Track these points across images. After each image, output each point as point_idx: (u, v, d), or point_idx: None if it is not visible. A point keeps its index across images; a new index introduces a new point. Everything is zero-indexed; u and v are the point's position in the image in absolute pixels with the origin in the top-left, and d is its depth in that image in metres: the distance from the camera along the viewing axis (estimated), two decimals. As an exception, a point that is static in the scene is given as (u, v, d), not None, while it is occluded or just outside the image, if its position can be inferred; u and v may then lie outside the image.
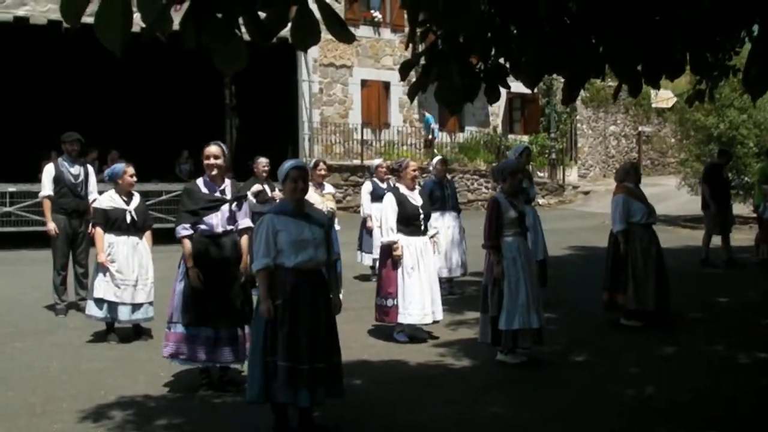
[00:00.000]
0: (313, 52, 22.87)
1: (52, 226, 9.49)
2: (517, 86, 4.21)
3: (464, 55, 3.46)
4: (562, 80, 4.14)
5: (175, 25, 2.57)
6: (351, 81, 26.66)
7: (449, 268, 10.81)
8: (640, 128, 34.33)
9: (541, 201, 24.83)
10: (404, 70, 2.95)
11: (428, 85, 3.35)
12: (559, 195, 27.33)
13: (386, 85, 27.35)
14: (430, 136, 26.10)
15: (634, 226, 8.80)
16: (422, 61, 3.57)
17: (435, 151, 25.38)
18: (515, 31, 3.66)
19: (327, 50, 25.45)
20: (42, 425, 5.64)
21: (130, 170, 8.33)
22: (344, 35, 2.53)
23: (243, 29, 2.62)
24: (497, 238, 7.19)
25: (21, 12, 15.64)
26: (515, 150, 10.17)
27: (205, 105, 22.85)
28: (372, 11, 26.76)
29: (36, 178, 15.83)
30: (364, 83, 26.87)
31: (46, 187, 9.60)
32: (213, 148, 6.52)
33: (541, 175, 27.70)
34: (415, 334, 8.34)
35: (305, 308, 5.26)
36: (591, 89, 31.06)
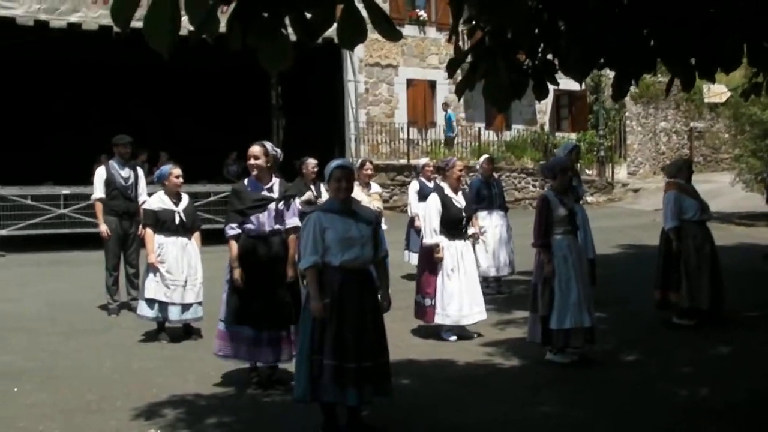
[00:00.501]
0: (359, 51, 22.92)
1: (103, 228, 9.65)
2: (565, 83, 4.17)
3: (511, 51, 3.43)
4: (611, 76, 4.08)
5: (222, 27, 2.60)
6: (396, 80, 26.65)
7: (497, 267, 10.76)
8: (691, 124, 33.76)
9: (589, 199, 24.55)
10: (451, 68, 2.93)
11: (475, 82, 3.33)
12: (608, 193, 27.01)
13: (432, 84, 27.29)
14: (452, 134, 25.81)
15: (687, 223, 8.65)
16: (469, 58, 3.54)
17: (454, 149, 25.26)
18: (563, 27, 3.61)
19: (372, 50, 25.48)
20: (97, 422, 5.73)
21: (176, 171, 8.41)
22: (391, 33, 2.52)
23: (289, 29, 2.63)
24: (547, 236, 7.13)
25: (74, 18, 15.89)
26: (564, 147, 10.08)
27: (252, 106, 23.01)
28: (417, 10, 26.71)
29: (88, 181, 16.14)
30: (409, 82, 26.84)
31: (98, 189, 9.76)
32: (254, 148, 6.57)
33: (590, 173, 27.40)
34: (462, 333, 8.31)
35: (352, 307, 5.26)
36: (641, 85, 30.60)
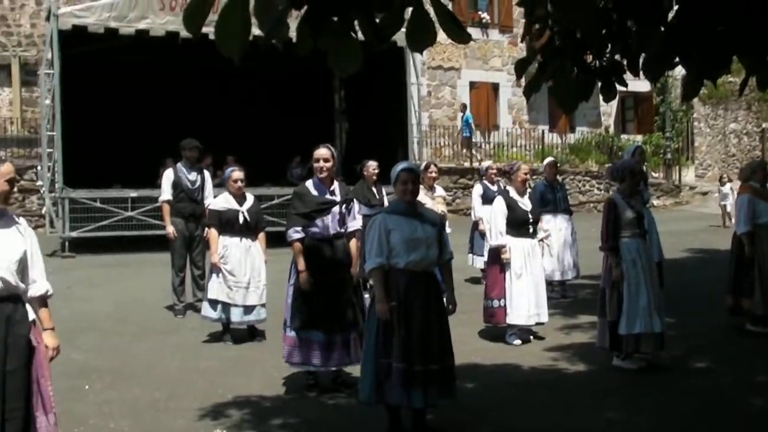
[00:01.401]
0: (421, 54, 22.92)
1: (170, 230, 9.81)
2: (631, 84, 4.09)
3: (580, 52, 3.38)
4: (679, 77, 3.99)
5: (291, 32, 2.61)
6: (459, 83, 26.60)
7: (561, 270, 10.64)
8: (764, 125, 32.83)
9: (655, 202, 24.12)
10: (520, 69, 2.90)
11: (543, 83, 3.29)
12: (674, 196, 26.51)
13: (495, 87, 27.16)
14: (468, 135, 25.45)
15: (761, 228, 8.39)
16: (537, 59, 3.50)
17: (473, 151, 24.99)
18: (633, 26, 3.54)
19: (435, 53, 25.48)
20: (166, 421, 5.83)
21: (235, 175, 8.45)
22: (460, 35, 2.51)
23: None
24: (615, 239, 7.01)
25: (142, 25, 16.24)
26: (628, 150, 9.93)
27: (316, 110, 23.21)
28: (480, 12, 26.61)
29: (155, 184, 16.45)
30: (472, 85, 26.75)
31: (166, 192, 9.92)
32: (322, 151, 6.57)
33: (656, 175, 26.94)
34: (524, 336, 8.25)
35: (418, 309, 5.25)
36: (709, 85, 29.94)
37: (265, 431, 5.59)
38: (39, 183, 18.22)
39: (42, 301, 4.24)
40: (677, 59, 3.32)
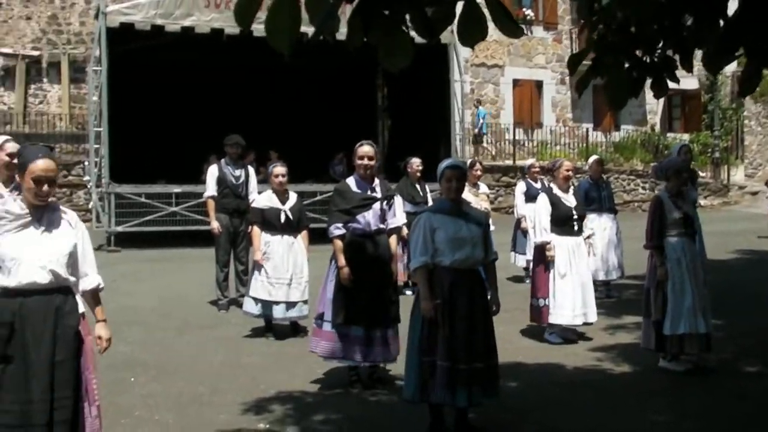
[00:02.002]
0: (465, 51, 22.80)
1: (215, 225, 9.89)
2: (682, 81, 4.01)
3: (633, 47, 3.32)
4: (728, 74, 3.90)
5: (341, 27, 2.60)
6: (503, 80, 26.45)
7: (606, 270, 10.53)
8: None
9: (702, 202, 23.75)
10: (573, 64, 2.86)
11: (594, 78, 3.23)
12: (723, 196, 26.08)
13: (538, 84, 26.97)
14: (477, 130, 25.15)
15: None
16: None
17: (485, 145, 24.72)
18: (689, 20, 3.46)
19: (478, 50, 25.34)
20: (209, 415, 5.87)
21: (277, 170, 8.50)
22: (513, 30, 2.48)
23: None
24: (660, 238, 6.91)
25: (187, 22, 16.41)
26: (674, 149, 9.79)
27: (358, 107, 23.24)
28: (524, 9, 26.42)
29: (198, 180, 16.60)
30: (516, 83, 26.59)
31: (210, 187, 10.00)
32: (366, 148, 6.59)
33: (704, 175, 26.51)
34: (566, 335, 8.16)
35: (463, 308, 5.22)
36: (763, 82, 29.39)
37: (307, 427, 5.60)
38: (86, 178, 18.49)
39: (94, 293, 4.29)
40: (737, 53, 3.23)
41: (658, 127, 28.08)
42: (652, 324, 6.98)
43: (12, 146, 5.68)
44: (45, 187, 4.02)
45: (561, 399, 6.23)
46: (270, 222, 8.42)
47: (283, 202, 8.47)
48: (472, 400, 5.23)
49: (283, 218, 8.41)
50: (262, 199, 8.65)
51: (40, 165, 4.01)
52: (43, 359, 3.93)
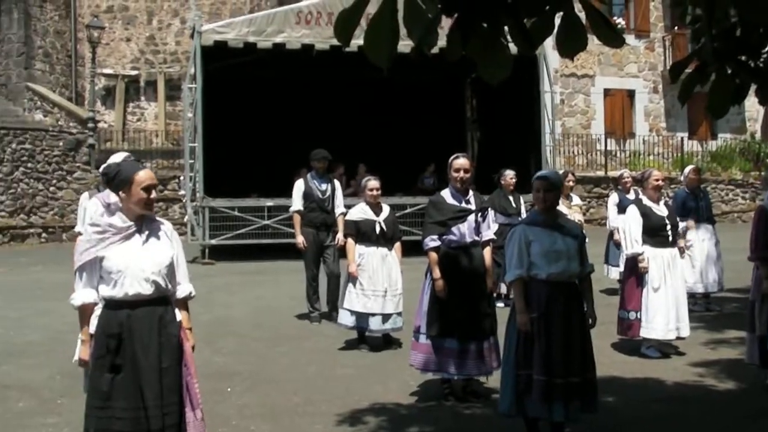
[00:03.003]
0: (554, 62, 22.61)
1: (300, 240, 9.97)
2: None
3: (738, 52, 3.22)
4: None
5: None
6: (593, 90, 26.08)
7: (705, 283, 10.23)
8: None
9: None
10: (676, 72, 2.79)
11: (697, 86, 3.15)
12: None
13: (630, 94, 26.50)
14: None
15: None
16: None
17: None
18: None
19: (568, 60, 25.00)
20: (304, 425, 5.94)
21: (370, 184, 8.59)
22: (614, 39, 2.45)
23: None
24: (766, 249, 6.65)
25: (278, 39, 16.75)
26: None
27: (447, 119, 23.23)
28: (614, 17, 25.99)
29: (289, 194, 16.84)
30: (606, 92, 26.18)
31: (296, 202, 10.10)
32: (462, 161, 6.59)
33: (805, 184, 25.52)
34: (663, 350, 7.96)
35: (559, 321, 5.16)
36: None
37: (402, 439, 5.61)
38: (181, 192, 19.00)
39: (184, 302, 4.40)
40: None
41: (758, 135, 27.17)
42: (756, 339, 6.73)
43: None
44: (153, 194, 4.20)
45: (661, 415, 6.06)
46: (365, 234, 8.47)
47: (377, 215, 8.53)
48: (569, 415, 5.15)
49: (378, 230, 8.46)
50: (355, 211, 8.70)
51: (146, 174, 4.20)
52: (153, 366, 4.07)
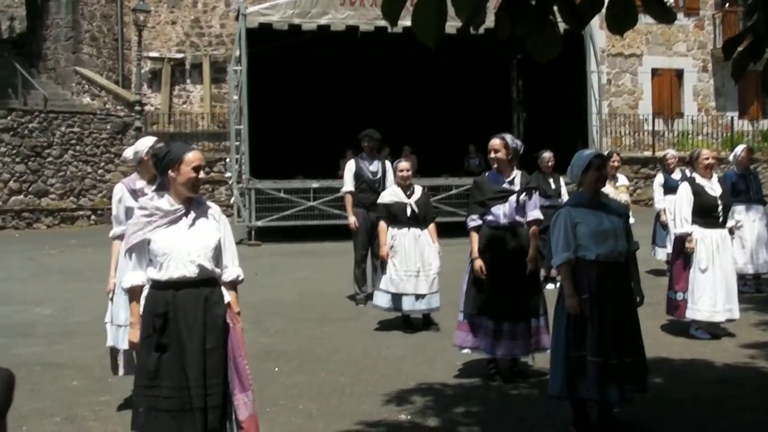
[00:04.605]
0: (601, 41, 22.32)
1: (352, 220, 10.00)
2: None
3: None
4: None
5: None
6: (641, 70, 25.71)
7: (755, 264, 10.08)
8: None
9: None
10: (729, 49, 2.74)
11: (750, 63, 3.09)
12: None
13: (679, 73, 26.06)
14: None
15: None
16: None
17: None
18: None
19: (615, 39, 24.72)
20: (351, 404, 5.99)
21: (402, 165, 8.61)
22: (665, 15, 2.41)
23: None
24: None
25: (323, 21, 16.76)
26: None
27: (493, 100, 23.10)
28: (663, -5, 25.52)
29: (335, 175, 16.91)
30: (654, 72, 25.79)
31: (348, 182, 10.12)
32: (494, 141, 6.59)
33: None
34: (712, 331, 7.86)
35: (610, 301, 5.13)
36: None
37: (449, 419, 5.62)
38: (227, 174, 19.19)
39: (233, 285, 4.41)
40: None
41: (811, 114, 26.59)
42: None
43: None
44: (201, 175, 4.23)
45: (712, 397, 5.99)
46: (396, 216, 8.49)
47: (409, 197, 8.53)
48: (624, 395, 5.12)
49: (409, 212, 8.47)
50: (386, 194, 8.73)
51: (195, 155, 4.23)
52: (197, 347, 4.10)
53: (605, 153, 10.54)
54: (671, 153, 11.84)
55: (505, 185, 6.56)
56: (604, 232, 5.17)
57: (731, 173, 10.54)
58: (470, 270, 6.57)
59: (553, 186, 10.82)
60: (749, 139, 24.50)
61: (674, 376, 6.53)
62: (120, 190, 5.98)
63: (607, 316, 5.09)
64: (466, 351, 6.66)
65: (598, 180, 5.31)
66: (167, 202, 4.23)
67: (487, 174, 6.74)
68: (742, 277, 9.58)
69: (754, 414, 5.66)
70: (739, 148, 10.77)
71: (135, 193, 5.77)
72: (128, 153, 6.02)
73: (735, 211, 9.52)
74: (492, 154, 6.57)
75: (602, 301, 5.12)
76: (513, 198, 6.53)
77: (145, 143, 5.92)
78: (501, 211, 6.52)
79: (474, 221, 6.55)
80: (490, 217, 6.53)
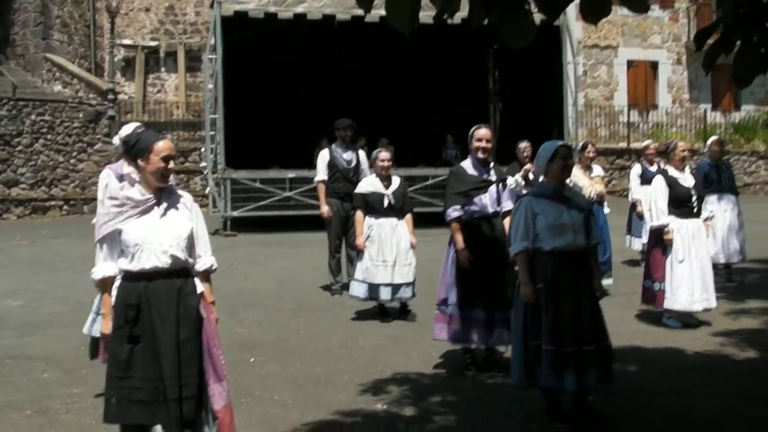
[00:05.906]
0: (577, 33, 22.39)
1: (325, 209, 9.93)
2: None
3: (764, 20, 3.16)
4: None
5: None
6: (616, 62, 25.85)
7: (726, 254, 10.19)
8: None
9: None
10: (700, 40, 2.75)
11: (721, 55, 3.11)
12: None
13: (654, 65, 26.22)
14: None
15: None
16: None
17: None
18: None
19: (591, 31, 24.82)
20: (327, 394, 5.98)
21: (382, 155, 8.60)
22: (640, 4, 2.41)
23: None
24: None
25: (299, 9, 16.66)
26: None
27: (469, 91, 23.12)
28: (638, -13, 25.65)
29: (311, 165, 16.85)
30: (630, 64, 25.93)
31: (321, 172, 10.06)
32: (484, 131, 6.56)
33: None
34: (685, 320, 7.94)
35: (567, 292, 5.12)
36: None
37: (424, 408, 5.63)
38: (202, 164, 19.07)
39: (206, 275, 4.38)
40: None
41: (782, 106, 26.86)
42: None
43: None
44: (171, 165, 4.17)
45: (686, 384, 6.04)
46: (373, 206, 8.48)
47: (386, 187, 8.52)
48: (584, 384, 5.11)
49: (386, 203, 8.46)
50: (364, 184, 8.72)
51: (165, 144, 4.16)
52: (170, 338, 4.07)
53: (581, 144, 10.58)
54: (652, 144, 11.91)
55: (485, 176, 6.57)
56: (562, 226, 5.16)
57: (704, 164, 10.64)
58: (454, 262, 6.52)
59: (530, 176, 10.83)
60: (722, 131, 24.72)
61: (648, 364, 6.59)
62: (107, 176, 5.88)
63: (564, 305, 5.08)
64: (454, 343, 6.62)
65: (564, 169, 5.30)
66: (138, 191, 4.17)
67: (464, 164, 6.70)
68: (714, 267, 9.66)
69: (724, 400, 5.72)
70: (711, 140, 10.87)
71: (122, 179, 5.70)
72: (116, 140, 5.97)
73: (707, 201, 9.60)
74: (482, 143, 6.53)
75: (558, 292, 5.11)
76: (493, 188, 6.55)
77: (130, 129, 5.86)
78: (484, 201, 6.52)
79: (456, 212, 6.50)
80: (474, 207, 6.51)
